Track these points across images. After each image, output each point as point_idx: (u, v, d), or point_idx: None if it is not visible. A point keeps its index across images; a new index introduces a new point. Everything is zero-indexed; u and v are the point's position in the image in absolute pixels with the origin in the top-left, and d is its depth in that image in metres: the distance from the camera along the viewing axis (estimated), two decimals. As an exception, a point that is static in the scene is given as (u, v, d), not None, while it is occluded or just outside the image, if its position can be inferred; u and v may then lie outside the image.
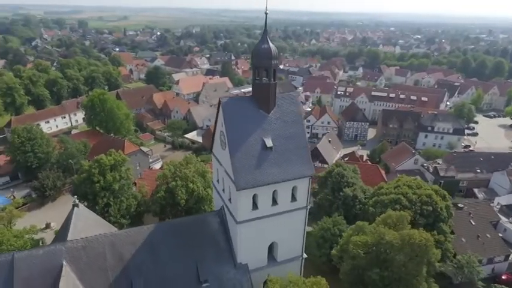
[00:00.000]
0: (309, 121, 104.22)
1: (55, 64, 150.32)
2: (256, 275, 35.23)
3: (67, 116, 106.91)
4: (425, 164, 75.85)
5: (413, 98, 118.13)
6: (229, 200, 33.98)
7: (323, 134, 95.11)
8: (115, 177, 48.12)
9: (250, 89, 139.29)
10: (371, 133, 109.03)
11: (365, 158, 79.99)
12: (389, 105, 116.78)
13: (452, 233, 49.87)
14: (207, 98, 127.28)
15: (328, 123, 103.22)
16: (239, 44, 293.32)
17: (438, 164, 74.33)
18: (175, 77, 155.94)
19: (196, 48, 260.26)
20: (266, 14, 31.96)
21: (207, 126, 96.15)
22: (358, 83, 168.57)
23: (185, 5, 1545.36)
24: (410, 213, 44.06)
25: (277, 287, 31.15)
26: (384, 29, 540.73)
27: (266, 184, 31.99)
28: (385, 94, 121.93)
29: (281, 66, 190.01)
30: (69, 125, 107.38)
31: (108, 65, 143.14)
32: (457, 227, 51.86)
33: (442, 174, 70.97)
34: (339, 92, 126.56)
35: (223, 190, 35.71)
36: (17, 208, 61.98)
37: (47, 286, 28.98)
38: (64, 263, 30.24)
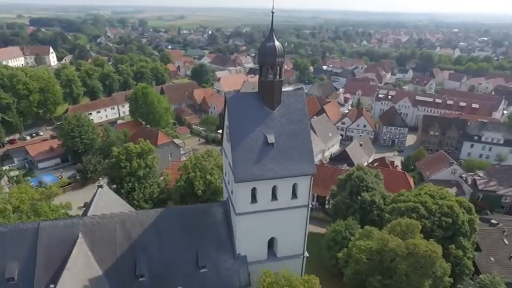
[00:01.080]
0: (343, 123, 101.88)
1: (111, 60, 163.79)
2: (255, 268, 35.91)
3: (116, 107, 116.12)
4: (463, 175, 70.47)
5: (463, 104, 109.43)
6: (232, 192, 35.31)
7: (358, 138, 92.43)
8: (140, 164, 51.93)
9: (289, 88, 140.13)
10: (411, 139, 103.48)
11: (398, 164, 76.35)
12: (434, 111, 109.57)
13: (477, 249, 46.47)
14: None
15: (364, 126, 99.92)
16: (286, 43, 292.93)
17: (478, 176, 68.63)
18: (218, 74, 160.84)
19: (244, 48, 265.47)
20: (273, 12, 32.76)
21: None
22: (405, 87, 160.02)
23: (241, 5, 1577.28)
24: (428, 224, 42.04)
25: (268, 280, 31.70)
26: (446, 30, 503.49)
27: (265, 179, 32.71)
28: (430, 99, 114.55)
29: (324, 67, 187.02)
30: (118, 115, 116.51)
31: (156, 61, 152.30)
32: (486, 244, 48.03)
33: (481, 187, 65.49)
34: (380, 95, 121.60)
35: (229, 182, 37.12)
36: (62, 187, 69.90)
37: (64, 253, 32.48)
38: (80, 235, 33.75)
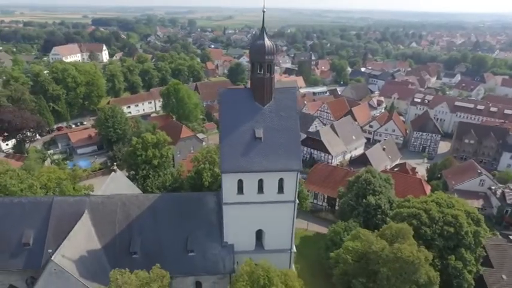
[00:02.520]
0: (371, 126, 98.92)
1: (154, 57, 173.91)
2: (242, 258, 37.13)
3: (153, 101, 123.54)
4: (493, 187, 65.52)
5: (508, 112, 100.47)
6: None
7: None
8: (155, 154, 55.72)
9: (322, 89, 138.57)
10: (445, 147, 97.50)
11: (419, 171, 72.89)
12: (474, 118, 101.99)
13: (488, 265, 43.55)
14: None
15: (393, 131, 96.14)
16: (328, 44, 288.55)
17: (509, 189, 63.44)
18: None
19: (284, 48, 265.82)
20: (264, 11, 33.94)
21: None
22: (449, 92, 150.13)
23: (290, 6, 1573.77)
24: (428, 232, 40.46)
25: (247, 269, 32.90)
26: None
27: (250, 171, 34.10)
28: (471, 105, 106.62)
29: (362, 69, 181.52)
30: (154, 109, 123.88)
31: (194, 59, 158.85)
32: (499, 260, 44.68)
33: (510, 201, 60.54)
34: (416, 99, 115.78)
35: (221, 173, 38.94)
36: (93, 171, 76.74)
37: (71, 225, 36.41)
38: (86, 211, 37.76)
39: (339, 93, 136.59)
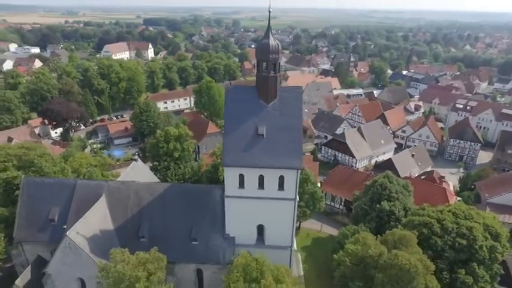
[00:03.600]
0: (404, 132, 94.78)
1: (194, 56, 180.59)
2: (242, 250, 38.58)
3: (188, 98, 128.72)
4: (531, 203, 60.03)
5: None
6: (225, 176, 38.42)
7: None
8: (176, 147, 58.62)
9: (357, 91, 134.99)
10: (486, 157, 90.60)
11: (447, 180, 68.76)
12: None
13: (508, 284, 40.55)
14: (308, 96, 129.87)
15: (427, 137, 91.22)
16: (372, 46, 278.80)
17: (551, 206, 57.75)
18: (289, 74, 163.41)
19: (325, 49, 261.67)
20: (269, 11, 34.65)
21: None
22: (501, 99, 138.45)
23: (335, 6, 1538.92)
24: (439, 242, 38.70)
25: (242, 260, 33.92)
26: None
27: (251, 166, 35.08)
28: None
29: (404, 72, 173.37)
30: (188, 106, 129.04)
31: (231, 58, 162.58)
32: (523, 281, 41.33)
33: (549, 219, 55.17)
34: (457, 105, 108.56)
35: (228, 168, 40.27)
36: (126, 161, 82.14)
37: (90, 206, 39.91)
38: (103, 194, 41.14)
39: (375, 96, 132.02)
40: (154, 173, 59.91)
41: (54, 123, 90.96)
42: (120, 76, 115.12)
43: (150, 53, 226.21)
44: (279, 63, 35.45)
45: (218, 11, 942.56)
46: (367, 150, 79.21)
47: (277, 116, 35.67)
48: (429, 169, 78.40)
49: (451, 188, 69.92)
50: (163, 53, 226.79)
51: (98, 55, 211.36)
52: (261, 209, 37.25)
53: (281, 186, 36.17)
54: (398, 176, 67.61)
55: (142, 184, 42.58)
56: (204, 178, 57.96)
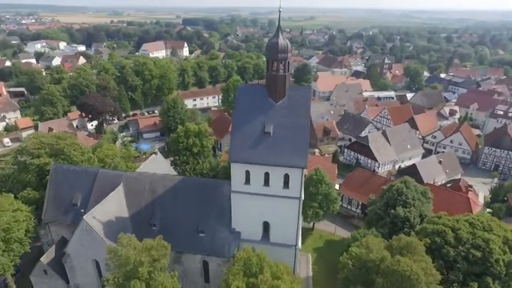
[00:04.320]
0: (434, 137, 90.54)
1: (226, 55, 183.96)
2: (248, 246, 39.34)
3: (216, 96, 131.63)
4: None
5: None
6: (233, 171, 39.29)
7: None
8: (195, 143, 60.61)
9: (389, 93, 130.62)
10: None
11: (474, 190, 64.90)
12: None
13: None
14: (336, 98, 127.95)
15: (460, 144, 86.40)
16: (411, 47, 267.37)
17: None
18: (320, 74, 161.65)
19: (360, 50, 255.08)
20: (280, 11, 34.99)
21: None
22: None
23: (377, 6, 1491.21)
24: (451, 252, 37.07)
25: (243, 255, 34.68)
26: None
27: (256, 163, 35.75)
28: None
29: (442, 75, 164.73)
30: (217, 103, 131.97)
31: (261, 58, 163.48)
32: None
33: None
34: (497, 111, 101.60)
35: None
36: (151, 154, 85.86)
37: (108, 194, 42.77)
38: (121, 183, 43.76)
39: (408, 99, 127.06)
40: (174, 167, 62.56)
41: (90, 116, 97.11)
42: (152, 73, 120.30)
43: (185, 51, 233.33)
44: (289, 62, 35.76)
45: (256, 11, 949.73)
46: (391, 155, 76.71)
47: (284, 114, 36.03)
48: (458, 177, 74.43)
49: (480, 198, 65.99)
50: (197, 52, 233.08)
51: (136, 53, 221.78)
52: (266, 206, 37.77)
53: (286, 184, 36.48)
54: (422, 182, 65.25)
55: (158, 176, 44.65)
56: (221, 174, 59.45)
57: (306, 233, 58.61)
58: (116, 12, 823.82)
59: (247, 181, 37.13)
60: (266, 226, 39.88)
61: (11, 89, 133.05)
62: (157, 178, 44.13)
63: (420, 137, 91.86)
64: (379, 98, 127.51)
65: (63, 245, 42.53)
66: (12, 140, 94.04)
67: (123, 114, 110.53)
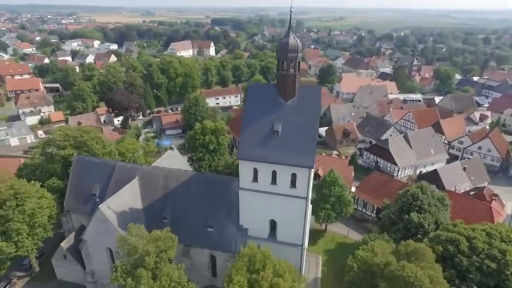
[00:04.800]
0: (461, 143, 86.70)
1: (250, 55, 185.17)
2: (254, 243, 39.76)
3: (239, 95, 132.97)
4: None
5: None
6: (242, 169, 39.81)
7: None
8: (211, 140, 61.79)
9: (415, 96, 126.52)
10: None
11: (501, 199, 61.57)
12: None
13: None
14: (360, 100, 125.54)
15: (489, 150, 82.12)
16: (444, 49, 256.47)
17: None
18: (345, 76, 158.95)
19: (388, 51, 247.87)
20: (291, 11, 35.06)
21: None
22: None
23: (411, 6, 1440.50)
24: (464, 262, 35.76)
25: (248, 251, 35.16)
26: None
27: (264, 161, 36.09)
28: None
29: (475, 78, 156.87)
30: (239, 103, 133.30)
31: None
32: None
33: None
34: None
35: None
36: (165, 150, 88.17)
37: (124, 185, 44.67)
38: (137, 176, 45.57)
39: (436, 103, 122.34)
40: (190, 164, 64.15)
41: (116, 111, 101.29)
42: (177, 72, 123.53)
43: (211, 51, 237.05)
44: (299, 61, 35.80)
45: (284, 11, 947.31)
46: (411, 159, 74.37)
47: (294, 114, 36.11)
48: (484, 185, 70.96)
49: (508, 208, 62.68)
50: (223, 52, 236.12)
51: (165, 52, 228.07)
52: (272, 205, 38.03)
53: (293, 183, 36.55)
54: (443, 188, 62.92)
55: (171, 170, 46.08)
56: (236, 171, 59.82)
57: (318, 234, 58.23)
58: (148, 12, 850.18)
59: (255, 179, 37.55)
60: (273, 225, 40.14)
61: (47, 85, 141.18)
62: (171, 172, 45.53)
63: (446, 142, 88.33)
64: (404, 101, 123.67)
65: (82, 233, 44.93)
66: (45, 133, 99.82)
67: (148, 111, 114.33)
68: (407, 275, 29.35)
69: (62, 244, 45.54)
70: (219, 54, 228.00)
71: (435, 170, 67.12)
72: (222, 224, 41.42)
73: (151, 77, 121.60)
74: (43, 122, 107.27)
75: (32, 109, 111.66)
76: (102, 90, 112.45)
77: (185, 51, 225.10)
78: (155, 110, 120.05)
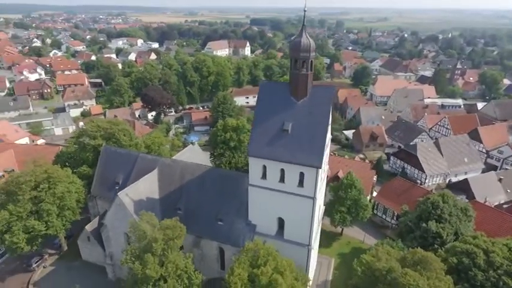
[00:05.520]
0: (501, 152, 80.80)
1: (283, 55, 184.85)
2: (262, 239, 40.41)
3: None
4: None
5: None
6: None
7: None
8: (233, 137, 63.08)
9: (455, 101, 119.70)
10: None
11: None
12: None
13: None
14: (394, 103, 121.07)
15: (532, 162, 75.94)
16: (495, 52, 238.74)
17: None
18: (381, 78, 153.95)
19: (432, 54, 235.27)
20: (305, 11, 35.06)
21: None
22: None
23: (461, 6, 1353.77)
24: (479, 276, 33.85)
25: (252, 246, 35.82)
26: None
27: (272, 159, 36.53)
28: None
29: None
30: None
31: (318, 58, 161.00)
32: None
33: None
34: None
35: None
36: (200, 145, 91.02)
37: (144, 175, 47.20)
38: (157, 167, 47.93)
39: (478, 109, 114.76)
40: (212, 159, 65.96)
41: (149, 106, 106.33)
42: (210, 70, 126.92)
43: (247, 50, 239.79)
44: (311, 61, 35.72)
45: (326, 12, 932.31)
46: (441, 167, 70.61)
47: (305, 113, 36.12)
48: (523, 199, 65.70)
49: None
50: (258, 52, 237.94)
51: (202, 51, 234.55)
52: (280, 202, 38.31)
53: (301, 183, 36.59)
54: (473, 199, 59.40)
55: (189, 164, 47.80)
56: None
57: (334, 237, 57.46)
58: (191, 12, 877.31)
59: (264, 176, 38.06)
60: (281, 223, 40.39)
61: (92, 80, 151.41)
62: (187, 166, 47.26)
63: (483, 150, 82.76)
64: (442, 106, 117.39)
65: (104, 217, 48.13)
66: (85, 124, 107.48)
67: (180, 107, 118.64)
68: (408, 282, 28.43)
69: (86, 227, 49.09)
70: (254, 53, 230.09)
71: (466, 179, 63.36)
72: (231, 218, 42.42)
73: (184, 74, 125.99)
74: (84, 114, 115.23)
75: (76, 102, 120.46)
76: (138, 86, 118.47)
77: (221, 50, 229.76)
78: (187, 106, 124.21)
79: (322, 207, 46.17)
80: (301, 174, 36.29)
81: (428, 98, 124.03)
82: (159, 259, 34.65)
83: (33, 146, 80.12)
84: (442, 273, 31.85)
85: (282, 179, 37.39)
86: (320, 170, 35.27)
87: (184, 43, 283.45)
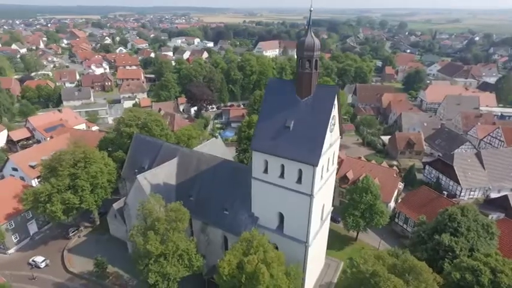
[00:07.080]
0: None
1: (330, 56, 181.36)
2: (263, 232, 41.80)
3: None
4: None
5: None
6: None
7: None
8: (256, 133, 64.85)
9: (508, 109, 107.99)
10: None
11: None
12: None
13: None
14: (445, 110, 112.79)
15: None
16: None
17: None
18: (435, 83, 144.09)
19: (504, 59, 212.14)
20: (311, 11, 35.42)
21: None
22: None
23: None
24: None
25: (247, 235, 37.29)
26: None
27: (273, 154, 37.66)
28: None
29: None
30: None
31: (365, 61, 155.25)
32: None
33: None
34: None
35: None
36: (232, 142, 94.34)
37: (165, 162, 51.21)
38: (177, 156, 51.62)
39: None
40: (237, 154, 68.43)
41: (191, 102, 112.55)
42: (253, 69, 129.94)
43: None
44: (316, 60, 36.05)
45: (389, 13, 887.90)
46: (481, 180, 64.77)
47: (307, 111, 36.61)
48: None
49: None
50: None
51: (253, 51, 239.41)
52: (280, 197, 39.21)
53: (299, 179, 37.17)
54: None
55: (205, 155, 50.65)
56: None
57: (347, 241, 56.40)
58: (251, 13, 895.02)
59: (266, 170, 39.28)
60: (282, 218, 41.23)
61: (147, 75, 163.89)
62: (203, 157, 50.12)
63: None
64: (502, 116, 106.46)
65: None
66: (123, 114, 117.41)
67: (221, 104, 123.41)
68: (386, 286, 27.74)
69: (113, 205, 54.58)
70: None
71: (505, 195, 57.62)
72: (236, 209, 44.28)
73: (228, 72, 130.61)
74: (135, 106, 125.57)
75: (130, 95, 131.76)
76: (185, 82, 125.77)
77: (271, 50, 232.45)
78: (228, 103, 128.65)
79: (329, 208, 45.82)
80: (300, 171, 36.85)
81: (486, 106, 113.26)
82: (161, 238, 37.85)
83: (87, 132, 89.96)
84: (435, 286, 30.35)
85: (282, 175, 38.27)
86: (317, 168, 35.51)
87: (238, 43, 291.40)
